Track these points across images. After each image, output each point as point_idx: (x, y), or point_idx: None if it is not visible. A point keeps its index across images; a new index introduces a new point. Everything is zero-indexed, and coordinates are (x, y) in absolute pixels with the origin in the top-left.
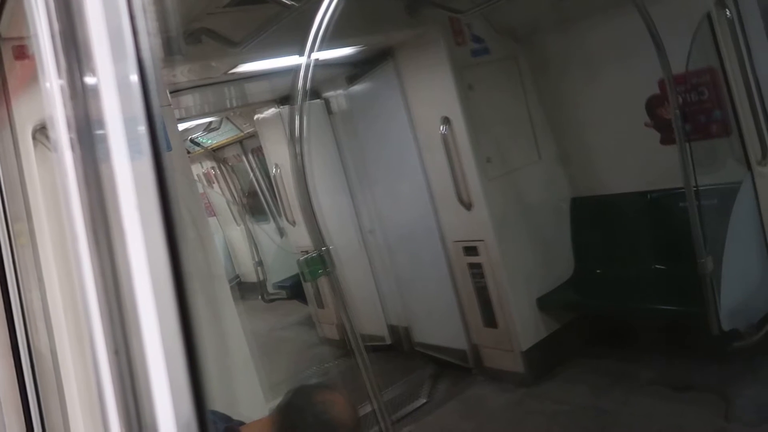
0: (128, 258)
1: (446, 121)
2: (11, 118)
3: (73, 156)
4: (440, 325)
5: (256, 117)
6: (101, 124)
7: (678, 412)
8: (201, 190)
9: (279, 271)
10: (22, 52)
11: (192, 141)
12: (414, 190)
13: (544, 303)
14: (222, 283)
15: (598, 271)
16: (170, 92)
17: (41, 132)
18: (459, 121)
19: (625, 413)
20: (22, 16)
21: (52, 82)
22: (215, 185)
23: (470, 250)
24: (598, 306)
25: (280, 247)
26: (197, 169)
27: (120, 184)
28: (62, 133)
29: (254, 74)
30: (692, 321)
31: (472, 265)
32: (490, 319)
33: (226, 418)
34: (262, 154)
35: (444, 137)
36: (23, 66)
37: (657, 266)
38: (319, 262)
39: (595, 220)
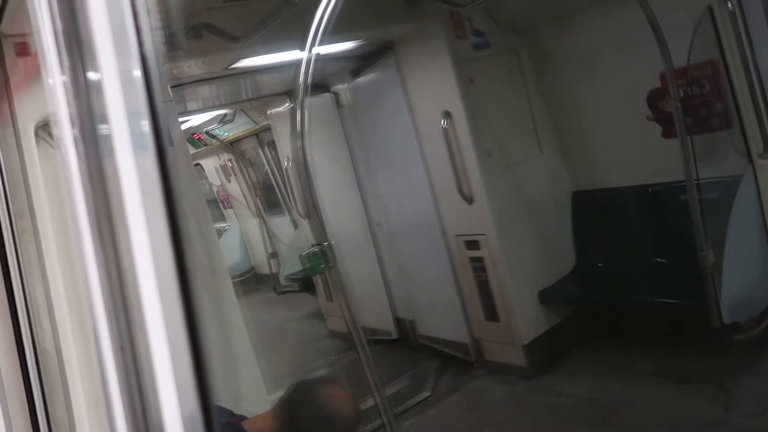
0: (133, 254)
1: (447, 115)
2: (13, 115)
3: (77, 152)
4: (443, 318)
5: (269, 111)
6: (104, 120)
7: (678, 404)
8: (219, 182)
9: (293, 264)
10: (24, 49)
11: (208, 133)
12: (416, 184)
13: (546, 296)
14: (224, 276)
15: (599, 264)
16: (173, 86)
17: (43, 129)
18: (460, 115)
19: (626, 405)
20: (23, 13)
21: (55, 78)
22: (232, 177)
23: (471, 244)
24: (599, 299)
25: (288, 245)
26: (215, 162)
27: (124, 179)
28: (66, 130)
29: (261, 68)
30: (693, 314)
31: (473, 259)
32: (491, 312)
33: (228, 412)
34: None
35: (445, 131)
36: (25, 63)
37: (658, 259)
38: (321, 256)
39: (597, 213)
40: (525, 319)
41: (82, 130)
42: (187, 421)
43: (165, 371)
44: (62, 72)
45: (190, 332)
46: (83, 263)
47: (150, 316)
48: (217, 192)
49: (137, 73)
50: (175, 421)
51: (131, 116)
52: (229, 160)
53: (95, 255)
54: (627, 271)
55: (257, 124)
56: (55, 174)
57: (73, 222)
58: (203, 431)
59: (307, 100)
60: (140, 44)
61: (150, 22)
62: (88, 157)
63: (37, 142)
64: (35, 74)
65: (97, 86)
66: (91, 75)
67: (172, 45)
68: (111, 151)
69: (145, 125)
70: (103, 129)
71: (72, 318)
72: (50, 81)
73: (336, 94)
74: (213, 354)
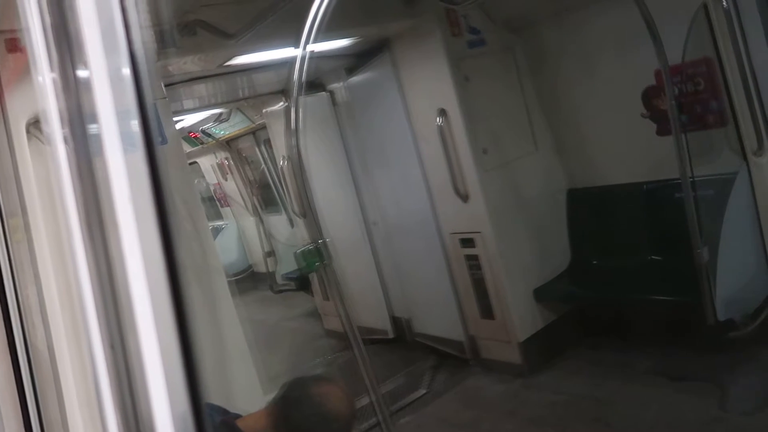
0: (123, 252)
1: (442, 112)
2: (5, 112)
3: (67, 150)
4: (438, 316)
5: (264, 110)
6: (94, 117)
7: (674, 402)
8: (215, 181)
9: (289, 262)
10: (15, 44)
11: (204, 132)
12: (411, 182)
13: (541, 294)
14: (219, 275)
15: (594, 262)
16: (167, 84)
17: (35, 126)
18: (455, 113)
19: (622, 403)
20: (13, 8)
21: (45, 75)
22: (229, 176)
23: (467, 242)
24: (594, 297)
25: (284, 244)
26: (211, 160)
27: (113, 177)
28: (55, 127)
29: (256, 66)
30: (688, 311)
31: (469, 257)
32: (487, 310)
33: (223, 411)
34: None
35: (440, 129)
36: (16, 59)
37: (653, 257)
38: (316, 254)
39: (592, 211)
40: (520, 317)
41: (71, 128)
42: (178, 421)
43: (155, 370)
44: (51, 69)
45: (180, 331)
46: (74, 261)
47: (140, 314)
48: (214, 190)
49: (126, 71)
50: (165, 420)
51: (120, 114)
52: (226, 159)
53: (85, 253)
54: (622, 269)
55: (253, 122)
56: (46, 172)
57: (64, 220)
58: (194, 430)
59: (303, 99)
60: (129, 42)
61: (139, 19)
62: (77, 155)
63: (29, 139)
64: (26, 70)
65: (87, 84)
66: (81, 72)
67: (165, 42)
68: (100, 149)
69: (135, 124)
70: (92, 127)
71: (64, 317)
72: (40, 78)
73: (331, 93)
74: (207, 353)
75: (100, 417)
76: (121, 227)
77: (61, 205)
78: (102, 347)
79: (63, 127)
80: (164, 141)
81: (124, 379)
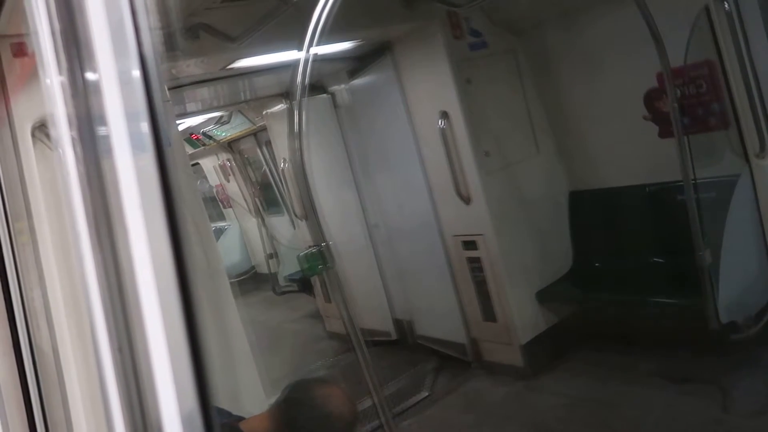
0: (131, 255)
1: (444, 115)
2: (10, 116)
3: (75, 153)
4: (440, 318)
5: (264, 112)
6: (103, 120)
7: (676, 404)
8: (217, 182)
9: (292, 264)
10: (21, 49)
11: (204, 134)
12: (413, 185)
13: (543, 296)
14: (222, 278)
15: (596, 264)
16: (169, 88)
17: (40, 130)
18: (457, 116)
19: (624, 405)
20: (20, 13)
21: (53, 79)
22: (231, 177)
23: (469, 245)
24: (596, 299)
25: (286, 246)
26: (213, 161)
27: (122, 180)
28: (63, 131)
29: (258, 69)
30: (691, 313)
31: (471, 260)
32: (489, 313)
33: (226, 413)
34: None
35: (442, 131)
36: (22, 63)
37: (655, 259)
38: (319, 257)
39: (594, 213)
40: (522, 320)
41: (80, 130)
42: (185, 422)
43: (164, 372)
44: (60, 72)
45: (189, 333)
46: (81, 264)
47: (149, 317)
48: (216, 191)
49: (136, 73)
50: (173, 421)
51: (130, 117)
52: (228, 160)
53: (93, 256)
54: (624, 271)
55: (254, 123)
56: (52, 175)
57: (71, 223)
58: (202, 431)
59: (304, 101)
60: (139, 44)
61: (149, 21)
62: (86, 158)
63: (34, 143)
64: (32, 75)
65: (96, 87)
66: (89, 75)
67: (169, 45)
68: (109, 151)
69: (144, 126)
70: (101, 130)
71: (69, 319)
72: (48, 81)
73: (333, 95)
74: (211, 354)
75: (106, 418)
76: (130, 229)
77: (68, 207)
78: (109, 349)
79: (71, 131)
80: (168, 144)
81: (131, 380)
